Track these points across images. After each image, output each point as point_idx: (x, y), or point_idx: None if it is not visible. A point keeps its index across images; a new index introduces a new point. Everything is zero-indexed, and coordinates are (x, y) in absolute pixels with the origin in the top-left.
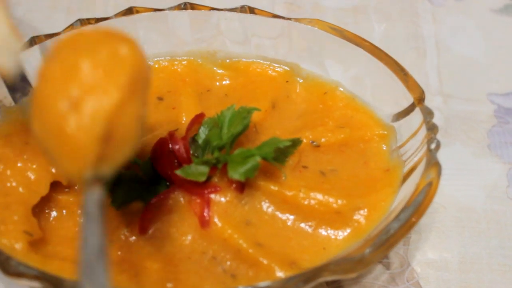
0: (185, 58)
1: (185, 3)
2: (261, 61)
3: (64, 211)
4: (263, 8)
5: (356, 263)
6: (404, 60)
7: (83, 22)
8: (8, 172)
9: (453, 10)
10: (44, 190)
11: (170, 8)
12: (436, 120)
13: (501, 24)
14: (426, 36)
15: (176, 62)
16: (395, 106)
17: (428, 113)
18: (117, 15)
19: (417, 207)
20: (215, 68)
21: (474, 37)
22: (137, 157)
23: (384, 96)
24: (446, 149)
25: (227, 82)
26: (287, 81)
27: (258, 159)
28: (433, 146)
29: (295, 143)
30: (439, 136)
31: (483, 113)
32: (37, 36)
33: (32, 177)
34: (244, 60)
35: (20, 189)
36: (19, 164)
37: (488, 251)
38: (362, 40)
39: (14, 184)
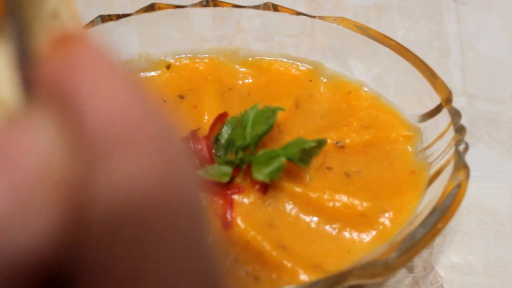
0: (206, 55)
1: (207, 0)
2: (284, 60)
3: None
4: (285, 4)
5: (382, 268)
6: (427, 59)
7: (104, 18)
8: None
9: (477, 9)
10: None
11: (192, 5)
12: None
13: None
14: (450, 35)
15: (197, 60)
16: (421, 106)
17: (456, 115)
18: (139, 11)
19: (444, 211)
20: (237, 66)
21: (499, 36)
22: None
23: (409, 96)
24: (470, 150)
25: (250, 80)
26: (310, 80)
27: (283, 159)
28: (461, 148)
29: (321, 143)
30: None
31: (507, 114)
32: None
33: None
34: (266, 58)
35: None
36: None
37: None
38: (387, 39)
39: None
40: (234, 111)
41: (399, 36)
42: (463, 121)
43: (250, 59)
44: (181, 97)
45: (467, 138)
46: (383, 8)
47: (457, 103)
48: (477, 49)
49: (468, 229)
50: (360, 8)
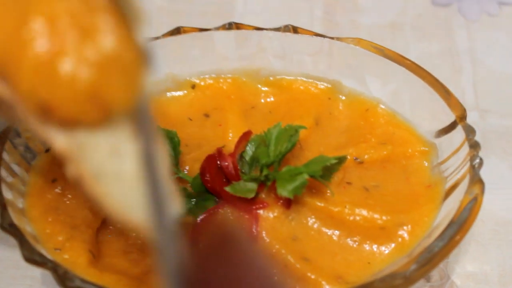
0: (229, 75)
1: (230, 23)
2: (304, 79)
3: (118, 225)
4: (302, 24)
5: (402, 280)
6: (441, 76)
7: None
8: (70, 195)
9: (487, 26)
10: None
11: (216, 28)
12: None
13: None
14: (461, 52)
15: (221, 80)
16: (436, 123)
17: (470, 131)
18: (165, 35)
19: (461, 224)
20: (259, 86)
21: (508, 52)
22: (186, 173)
23: (425, 113)
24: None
25: (271, 99)
26: (329, 98)
27: (306, 176)
28: (476, 163)
29: (341, 160)
30: None
31: None
32: None
33: None
34: (287, 77)
35: (86, 213)
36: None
37: None
38: (403, 58)
39: (79, 205)
40: (257, 129)
41: (412, 53)
42: (476, 135)
43: (271, 78)
44: (206, 115)
45: (480, 151)
46: (397, 27)
47: (469, 117)
48: (488, 65)
49: (483, 240)
50: (375, 27)
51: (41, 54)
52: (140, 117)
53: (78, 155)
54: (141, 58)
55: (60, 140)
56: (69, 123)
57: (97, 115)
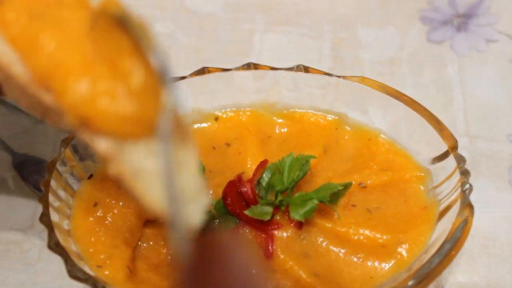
0: (248, 109)
1: (249, 64)
2: (314, 111)
3: (151, 242)
4: (312, 59)
5: None
6: (434, 105)
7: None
8: (110, 217)
9: (476, 60)
10: (140, 232)
11: (236, 68)
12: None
13: None
14: (453, 83)
15: (240, 113)
16: (431, 151)
17: (461, 160)
18: (192, 74)
19: (455, 243)
20: (274, 118)
21: (495, 84)
22: (210, 197)
23: (421, 142)
24: (472, 185)
25: (285, 129)
26: (336, 129)
27: (315, 202)
28: (466, 189)
29: (347, 186)
30: None
31: (504, 152)
32: None
33: (132, 221)
34: (298, 110)
35: (125, 233)
36: (116, 210)
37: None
38: (401, 95)
39: (118, 227)
40: (272, 156)
41: (409, 85)
42: (466, 159)
43: (285, 111)
44: (228, 144)
45: (470, 173)
46: (395, 62)
47: (460, 142)
48: (477, 96)
49: (472, 253)
50: (375, 63)
51: (84, 90)
52: (163, 127)
53: (119, 156)
54: (161, 79)
55: (102, 144)
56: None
57: (132, 131)
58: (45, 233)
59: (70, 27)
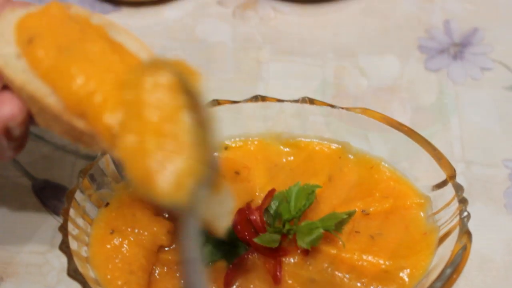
0: (256, 138)
1: (256, 96)
2: (318, 141)
3: (165, 268)
4: (316, 86)
5: None
6: (432, 131)
7: None
8: (126, 244)
9: (472, 88)
10: (154, 258)
11: (245, 100)
12: (460, 182)
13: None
14: (450, 110)
15: (249, 142)
16: (431, 179)
17: (459, 189)
18: None
19: (455, 268)
20: (281, 147)
21: (490, 110)
22: None
23: (421, 171)
24: (469, 208)
25: (291, 158)
26: (340, 157)
27: (321, 230)
28: (464, 216)
29: (351, 214)
30: None
31: (499, 176)
32: None
33: (147, 247)
34: (304, 140)
35: (141, 260)
36: (131, 238)
37: None
38: (401, 125)
39: (134, 254)
40: (279, 184)
41: (408, 111)
42: (463, 183)
43: (291, 140)
44: (237, 173)
45: (466, 196)
46: (395, 89)
47: (457, 168)
48: (473, 122)
49: (469, 275)
50: (376, 89)
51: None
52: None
53: None
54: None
55: None
56: None
57: None
58: (63, 257)
59: (95, 57)
